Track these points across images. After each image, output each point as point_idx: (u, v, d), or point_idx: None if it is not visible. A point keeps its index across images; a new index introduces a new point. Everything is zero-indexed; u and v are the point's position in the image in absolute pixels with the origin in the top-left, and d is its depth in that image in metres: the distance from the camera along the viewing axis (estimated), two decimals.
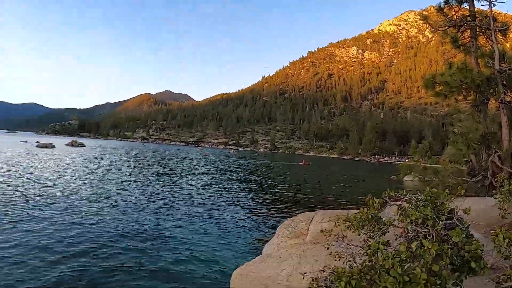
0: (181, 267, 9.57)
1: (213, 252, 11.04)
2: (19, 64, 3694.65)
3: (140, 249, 10.85)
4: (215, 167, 48.98)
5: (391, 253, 3.49)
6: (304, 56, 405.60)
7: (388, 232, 4.34)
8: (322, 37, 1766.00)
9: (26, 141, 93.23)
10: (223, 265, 9.94)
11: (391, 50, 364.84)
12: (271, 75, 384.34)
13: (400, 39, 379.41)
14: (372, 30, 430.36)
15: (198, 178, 32.04)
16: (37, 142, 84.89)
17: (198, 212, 17.10)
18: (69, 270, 8.74)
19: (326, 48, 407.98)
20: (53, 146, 72.57)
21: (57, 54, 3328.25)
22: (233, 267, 8.92)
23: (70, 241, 11.03)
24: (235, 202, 20.81)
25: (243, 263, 8.06)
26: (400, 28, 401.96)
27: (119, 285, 8.21)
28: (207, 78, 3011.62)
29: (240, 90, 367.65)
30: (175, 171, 37.99)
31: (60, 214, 14.50)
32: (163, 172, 35.84)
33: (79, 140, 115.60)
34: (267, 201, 22.14)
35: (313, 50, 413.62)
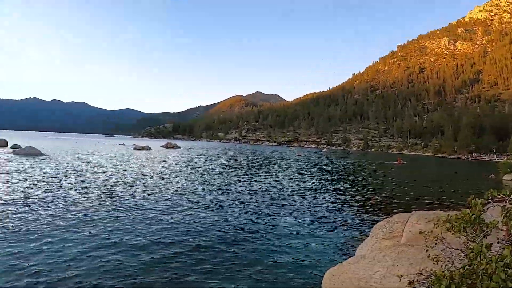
0: (273, 267, 9.77)
1: (306, 252, 11.13)
2: (116, 74, 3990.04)
3: (233, 249, 11.21)
4: (308, 167, 48.97)
5: (494, 256, 3.36)
6: (394, 50, 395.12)
7: (490, 235, 4.17)
8: (411, 30, 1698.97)
9: (123, 144, 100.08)
10: (315, 265, 10.01)
11: (484, 38, 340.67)
12: (361, 71, 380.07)
13: (493, 26, 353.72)
14: (463, 18, 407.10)
15: (291, 178, 32.28)
16: (134, 144, 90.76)
17: (291, 212, 17.27)
18: (165, 270, 9.27)
19: (416, 41, 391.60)
20: (149, 148, 77.34)
21: (151, 63, 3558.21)
22: (325, 267, 8.96)
23: (167, 241, 11.68)
24: (328, 202, 20.73)
25: (335, 264, 8.08)
26: (492, 14, 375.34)
27: (214, 286, 8.54)
28: (297, 78, 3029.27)
29: (330, 88, 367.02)
30: (268, 171, 38.60)
31: (157, 214, 15.40)
32: (255, 172, 36.59)
33: (174, 142, 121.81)
34: (361, 201, 21.77)
35: (402, 44, 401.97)
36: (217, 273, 9.22)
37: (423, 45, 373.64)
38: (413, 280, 3.78)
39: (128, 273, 8.86)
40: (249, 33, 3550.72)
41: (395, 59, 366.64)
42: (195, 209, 16.81)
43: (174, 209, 16.66)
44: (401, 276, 4.47)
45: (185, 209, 16.75)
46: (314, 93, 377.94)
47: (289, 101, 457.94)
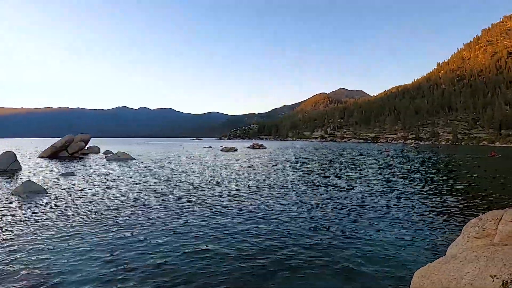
0: (360, 267, 9.76)
1: (393, 251, 11.00)
2: (201, 79, 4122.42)
3: (320, 247, 11.37)
4: (394, 163, 47.73)
5: None
6: (478, 35, 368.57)
7: None
8: (495, 11, 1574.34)
9: (210, 146, 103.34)
10: (403, 265, 9.87)
11: None
12: (446, 60, 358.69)
13: None
14: None
15: (377, 176, 31.56)
16: (221, 146, 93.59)
17: (377, 210, 17.07)
18: (252, 268, 9.67)
19: (501, 23, 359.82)
20: (236, 150, 79.13)
21: (233, 66, 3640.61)
22: (414, 267, 8.77)
23: (255, 240, 12.14)
24: (416, 199, 20.23)
25: (425, 264, 7.94)
26: None
27: (302, 284, 8.76)
28: (380, 71, 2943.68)
29: (415, 80, 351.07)
30: (354, 169, 37.98)
31: (245, 213, 15.98)
32: (341, 171, 36.11)
33: (260, 142, 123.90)
34: (452, 197, 20.81)
35: (487, 28, 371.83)
36: (302, 272, 9.38)
37: (510, 27, 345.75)
38: (507, 281, 3.69)
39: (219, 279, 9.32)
40: (327, 29, 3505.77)
41: (481, 45, 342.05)
42: (284, 208, 17.19)
43: (263, 209, 17.14)
44: (494, 276, 4.34)
45: (273, 209, 17.14)
46: (399, 86, 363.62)
47: (373, 96, 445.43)
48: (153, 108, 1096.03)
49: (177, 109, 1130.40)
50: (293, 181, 27.12)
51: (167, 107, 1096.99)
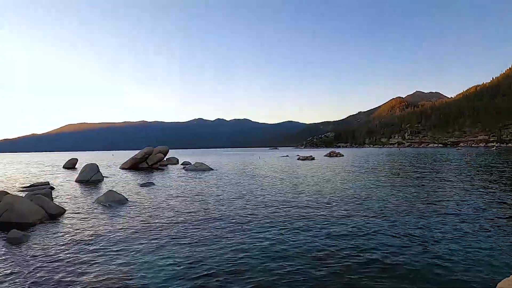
0: (437, 277, 9.27)
1: (473, 262, 10.31)
2: (275, 89, 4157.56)
3: (393, 256, 10.88)
4: (476, 167, 45.37)
5: None
6: None
7: None
8: None
9: (287, 156, 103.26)
10: (484, 277, 9.22)
11: None
12: None
13: None
14: None
15: (458, 183, 29.79)
16: (298, 155, 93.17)
17: (459, 215, 16.38)
18: (334, 271, 9.57)
19: None
20: (312, 158, 78.44)
21: (306, 74, 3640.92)
22: (496, 279, 8.33)
23: (335, 246, 11.92)
24: (499, 204, 19.06)
25: (508, 276, 7.28)
26: None
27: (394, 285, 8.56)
28: (456, 70, 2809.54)
29: (494, 78, 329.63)
30: (434, 175, 36.21)
31: (327, 222, 15.67)
32: (420, 177, 34.56)
33: (337, 150, 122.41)
34: None
35: None
36: (381, 279, 9.13)
37: None
38: None
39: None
40: (399, 30, 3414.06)
41: None
42: (364, 216, 16.81)
43: (344, 216, 16.86)
44: None
45: (354, 216, 16.83)
46: (477, 85, 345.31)
47: (451, 97, 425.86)
48: (229, 119, 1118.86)
49: (252, 119, 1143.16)
50: (372, 189, 26.37)
51: (242, 118, 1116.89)
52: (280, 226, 14.99)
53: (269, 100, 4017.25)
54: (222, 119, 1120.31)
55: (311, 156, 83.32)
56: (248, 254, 11.22)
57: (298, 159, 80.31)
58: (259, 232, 13.87)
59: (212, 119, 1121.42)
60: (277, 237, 13.23)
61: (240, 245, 12.19)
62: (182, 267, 10.16)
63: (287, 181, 32.76)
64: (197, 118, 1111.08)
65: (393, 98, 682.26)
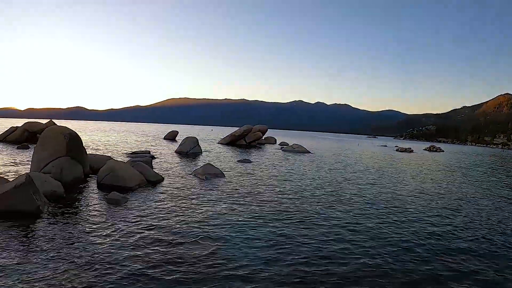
0: None
1: None
2: (377, 76, 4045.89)
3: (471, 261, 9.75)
4: None
5: None
6: None
7: None
8: None
9: (385, 145, 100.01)
10: None
11: None
12: None
13: None
14: None
15: None
16: (396, 146, 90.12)
17: None
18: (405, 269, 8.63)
19: None
20: (411, 151, 75.04)
21: (409, 63, 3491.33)
22: None
23: (411, 244, 10.93)
24: None
25: None
26: None
27: None
28: None
29: None
30: None
31: (412, 220, 14.46)
32: None
33: (437, 145, 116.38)
34: None
35: None
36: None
37: None
38: None
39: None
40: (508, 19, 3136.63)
41: None
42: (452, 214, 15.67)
43: (430, 214, 15.68)
44: None
45: (442, 214, 15.63)
46: None
47: None
48: (329, 104, 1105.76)
49: (353, 105, 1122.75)
50: (466, 189, 24.37)
51: (343, 103, 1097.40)
52: (376, 218, 14.03)
53: (371, 87, 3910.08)
54: (322, 103, 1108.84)
55: (410, 148, 79.79)
56: (332, 243, 10.50)
57: (396, 150, 77.43)
58: (358, 224, 13.03)
59: (313, 102, 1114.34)
60: (372, 231, 12.27)
61: (324, 232, 11.50)
62: (278, 247, 9.73)
63: (384, 172, 31.34)
64: (297, 100, 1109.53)
65: (501, 95, 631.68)
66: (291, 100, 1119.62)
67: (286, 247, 9.76)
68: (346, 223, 12.79)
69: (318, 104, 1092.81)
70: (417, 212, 15.57)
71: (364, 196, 18.49)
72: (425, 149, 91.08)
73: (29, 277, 7.11)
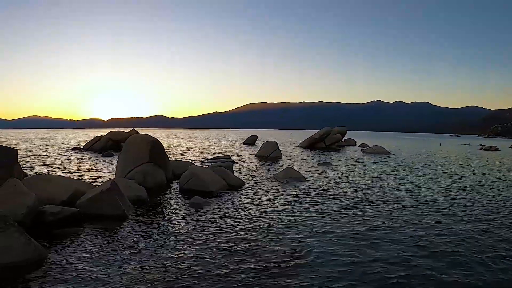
0: None
1: None
2: (457, 73, 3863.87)
3: None
4: None
5: None
6: None
7: None
8: None
9: (469, 144, 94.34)
10: None
11: None
12: None
13: None
14: None
15: None
16: (480, 144, 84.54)
17: None
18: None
19: None
20: (496, 149, 70.16)
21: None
22: None
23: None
24: None
25: None
26: None
27: None
28: None
29: None
30: None
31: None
32: None
33: None
34: None
35: None
36: None
37: None
38: None
39: None
40: None
41: None
42: None
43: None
44: None
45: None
46: None
47: None
48: (408, 102, 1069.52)
49: (433, 103, 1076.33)
50: None
51: (423, 101, 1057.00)
52: (468, 223, 12.80)
53: (451, 82, 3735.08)
54: (402, 101, 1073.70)
55: (495, 146, 74.49)
56: (410, 248, 9.58)
57: (480, 148, 72.78)
58: (449, 229, 11.99)
59: (391, 101, 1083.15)
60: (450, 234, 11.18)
61: (404, 236, 10.62)
62: (362, 252, 9.07)
63: (467, 173, 28.76)
64: (375, 100, 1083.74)
65: None
66: (369, 100, 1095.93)
67: (371, 252, 9.13)
68: (433, 227, 11.79)
69: (397, 103, 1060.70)
70: None
71: (452, 200, 17.08)
72: (510, 147, 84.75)
73: (113, 273, 7.43)
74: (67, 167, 26.41)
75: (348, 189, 18.89)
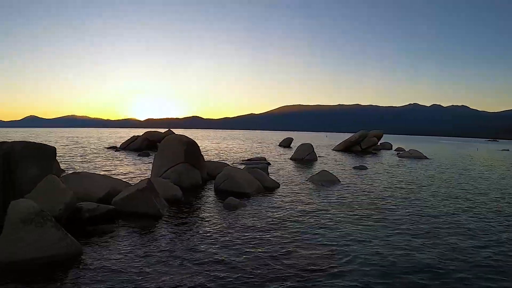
0: None
1: None
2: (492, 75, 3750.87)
3: None
4: None
5: None
6: None
7: None
8: None
9: (507, 150, 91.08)
10: None
11: None
12: None
13: None
14: None
15: None
16: None
17: None
18: None
19: None
20: None
21: None
22: None
23: None
24: None
25: None
26: None
27: None
28: None
29: None
30: None
31: None
32: None
33: None
34: None
35: None
36: None
37: None
38: None
39: None
40: None
41: None
42: None
43: None
44: None
45: None
46: None
47: None
48: (446, 106, 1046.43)
49: (471, 107, 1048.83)
50: None
51: (460, 104, 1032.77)
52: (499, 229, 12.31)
53: (490, 85, 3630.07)
54: (439, 105, 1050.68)
55: None
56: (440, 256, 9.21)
57: None
58: (487, 235, 11.56)
59: (428, 104, 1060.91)
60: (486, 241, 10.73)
61: (438, 242, 10.23)
62: (397, 258, 8.81)
63: (506, 180, 27.62)
64: (412, 103, 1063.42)
65: None
66: (406, 104, 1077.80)
67: (406, 261, 8.75)
68: (474, 237, 11.23)
69: (434, 106, 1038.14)
70: None
71: (492, 207, 16.31)
72: None
73: (146, 272, 7.48)
74: (103, 165, 26.93)
75: (384, 194, 18.46)
